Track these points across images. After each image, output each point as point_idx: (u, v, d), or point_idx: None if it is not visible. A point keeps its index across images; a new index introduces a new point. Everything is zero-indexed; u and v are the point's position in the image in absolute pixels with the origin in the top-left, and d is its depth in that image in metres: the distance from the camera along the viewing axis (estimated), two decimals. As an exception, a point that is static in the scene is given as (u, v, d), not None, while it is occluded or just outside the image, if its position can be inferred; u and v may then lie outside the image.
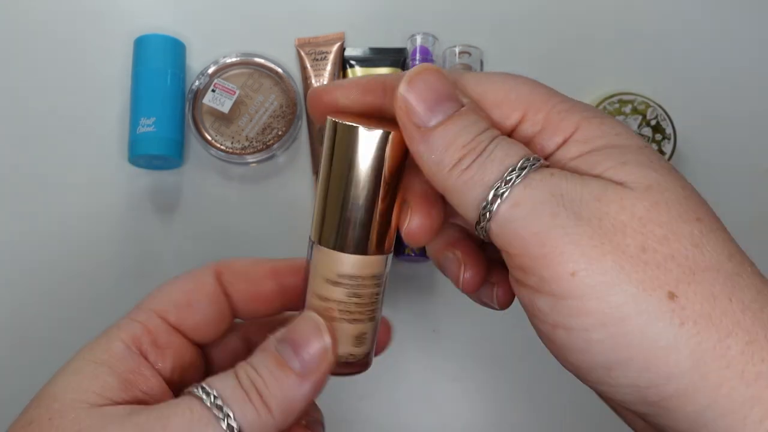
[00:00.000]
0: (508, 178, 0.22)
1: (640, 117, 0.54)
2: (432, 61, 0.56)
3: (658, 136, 0.54)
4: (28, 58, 0.57)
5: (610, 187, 0.22)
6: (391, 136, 0.24)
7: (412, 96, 0.23)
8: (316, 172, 0.54)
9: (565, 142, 0.23)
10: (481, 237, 0.23)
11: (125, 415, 0.24)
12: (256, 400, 0.24)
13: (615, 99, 0.54)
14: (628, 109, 0.54)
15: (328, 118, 0.25)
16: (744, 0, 0.59)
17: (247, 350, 0.30)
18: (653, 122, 0.54)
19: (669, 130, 0.54)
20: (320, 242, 0.25)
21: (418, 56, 0.55)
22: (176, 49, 0.55)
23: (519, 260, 0.22)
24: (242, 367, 0.25)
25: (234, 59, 0.55)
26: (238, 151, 0.54)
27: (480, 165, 0.22)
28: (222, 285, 0.29)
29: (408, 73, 0.24)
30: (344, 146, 0.24)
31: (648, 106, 0.54)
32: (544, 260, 0.21)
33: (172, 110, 0.54)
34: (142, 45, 0.54)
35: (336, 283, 0.25)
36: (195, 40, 0.57)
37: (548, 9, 0.59)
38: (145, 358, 0.26)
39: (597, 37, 0.59)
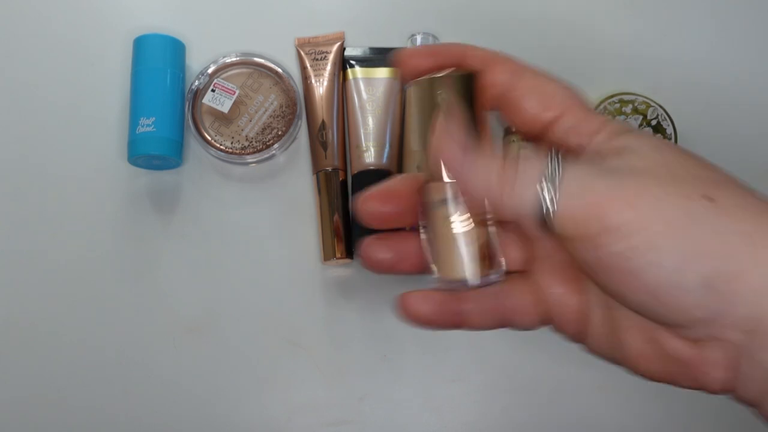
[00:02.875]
0: (551, 169, 0.26)
1: (641, 117, 0.54)
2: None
3: (659, 136, 0.54)
4: (27, 57, 0.57)
5: (633, 151, 0.27)
6: (469, 77, 0.29)
7: (444, 139, 0.28)
8: (316, 172, 0.54)
9: (596, 133, 0.28)
10: (546, 231, 0.26)
11: None
12: None
13: (615, 99, 0.54)
14: (628, 109, 0.54)
15: (411, 82, 0.30)
16: (744, 0, 0.59)
17: None
18: (653, 122, 0.54)
19: (669, 130, 0.54)
20: None
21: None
22: (176, 49, 0.55)
23: (589, 225, 0.25)
24: None
25: (234, 59, 0.55)
26: (237, 151, 0.54)
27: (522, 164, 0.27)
28: None
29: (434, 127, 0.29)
30: (428, 96, 0.29)
31: (648, 106, 0.54)
32: (604, 208, 0.25)
33: (171, 110, 0.54)
34: (141, 45, 0.54)
35: None
36: (195, 40, 0.57)
37: (548, 9, 0.59)
38: None
39: (597, 37, 0.59)
